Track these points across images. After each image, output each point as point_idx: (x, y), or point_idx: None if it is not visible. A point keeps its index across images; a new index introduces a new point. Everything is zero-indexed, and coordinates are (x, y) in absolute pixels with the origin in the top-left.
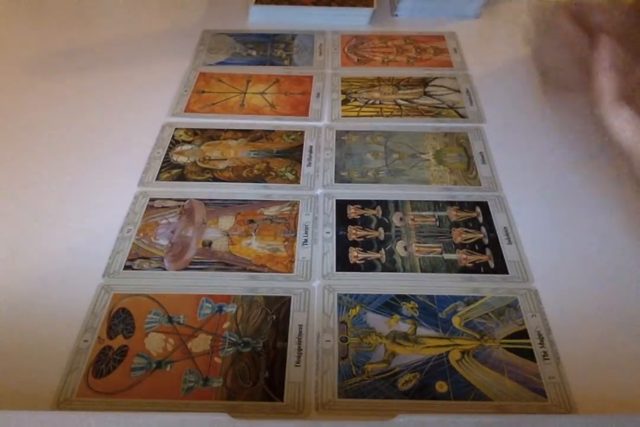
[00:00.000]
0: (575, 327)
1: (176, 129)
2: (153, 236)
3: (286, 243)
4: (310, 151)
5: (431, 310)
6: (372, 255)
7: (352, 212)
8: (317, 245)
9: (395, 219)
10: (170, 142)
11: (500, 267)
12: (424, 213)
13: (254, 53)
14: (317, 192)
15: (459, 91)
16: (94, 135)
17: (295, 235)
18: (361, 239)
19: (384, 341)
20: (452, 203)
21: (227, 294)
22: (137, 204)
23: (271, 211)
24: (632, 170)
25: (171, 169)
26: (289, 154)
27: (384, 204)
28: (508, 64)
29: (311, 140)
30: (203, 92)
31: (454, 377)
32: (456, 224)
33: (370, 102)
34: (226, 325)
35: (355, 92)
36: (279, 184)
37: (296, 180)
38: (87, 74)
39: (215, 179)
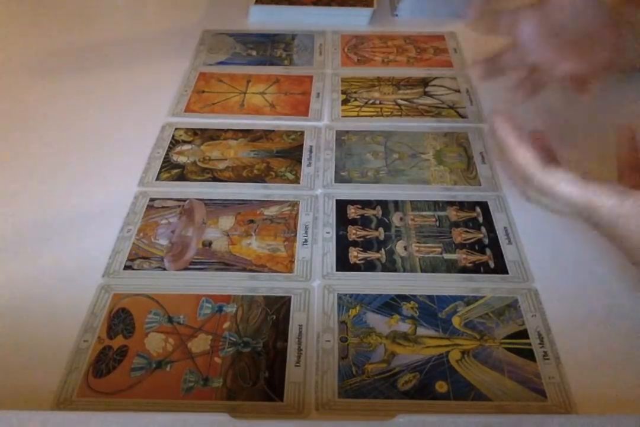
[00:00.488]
0: (575, 327)
1: (176, 129)
2: (153, 236)
3: (286, 243)
4: (310, 151)
5: (431, 310)
6: (372, 255)
7: (352, 212)
8: (317, 245)
9: (395, 219)
10: (170, 142)
11: (500, 267)
12: (424, 213)
13: (254, 53)
14: (317, 192)
15: (459, 91)
16: (94, 135)
17: (295, 235)
18: (361, 239)
19: (384, 341)
20: (452, 203)
21: (227, 294)
22: (137, 204)
23: (271, 211)
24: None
25: (171, 169)
26: (289, 154)
27: (384, 204)
28: None
29: (311, 140)
30: (203, 92)
31: (454, 377)
32: (456, 224)
33: (370, 102)
34: (226, 325)
35: (355, 92)
36: (279, 184)
37: (296, 180)
38: (87, 74)
39: (215, 179)
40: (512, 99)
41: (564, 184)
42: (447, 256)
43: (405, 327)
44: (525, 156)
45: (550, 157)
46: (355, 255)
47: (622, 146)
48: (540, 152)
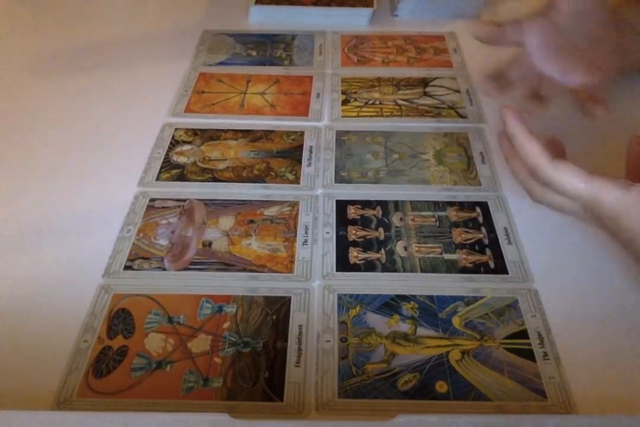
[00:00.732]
0: (575, 327)
1: (176, 129)
2: (153, 236)
3: (286, 243)
4: (310, 151)
5: (431, 310)
6: (372, 255)
7: (352, 212)
8: (317, 245)
9: (395, 219)
10: (170, 142)
11: (500, 268)
12: (424, 213)
13: (254, 53)
14: (317, 192)
15: (459, 91)
16: (94, 135)
17: (295, 235)
18: (361, 239)
19: (384, 341)
20: (452, 203)
21: (227, 294)
22: (137, 204)
23: (271, 211)
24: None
25: (171, 169)
26: (289, 154)
27: (384, 204)
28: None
29: (311, 141)
30: (203, 92)
31: (454, 377)
32: (456, 224)
33: (370, 102)
34: (226, 325)
35: (355, 92)
36: (279, 184)
37: (296, 180)
38: (87, 74)
39: (215, 179)
40: (525, 111)
41: (571, 178)
42: (447, 256)
43: (405, 327)
44: (533, 150)
45: (558, 153)
46: (355, 255)
47: (633, 152)
48: (549, 148)
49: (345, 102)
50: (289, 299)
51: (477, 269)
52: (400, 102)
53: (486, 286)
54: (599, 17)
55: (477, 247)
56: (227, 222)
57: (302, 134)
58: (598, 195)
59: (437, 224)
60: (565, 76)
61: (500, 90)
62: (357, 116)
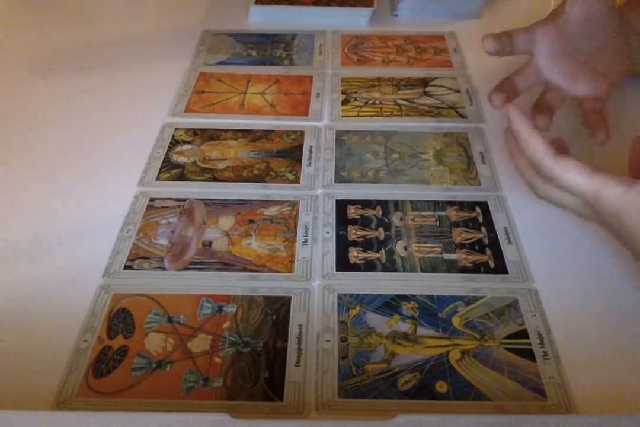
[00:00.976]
0: (575, 327)
1: (176, 129)
2: (153, 236)
3: (286, 243)
4: (310, 151)
5: (431, 310)
6: (372, 255)
7: (352, 212)
8: (317, 245)
9: (395, 219)
10: (170, 142)
11: (500, 267)
12: (424, 213)
13: (254, 53)
14: (317, 192)
15: (459, 91)
16: (94, 135)
17: (295, 235)
18: (361, 239)
19: (384, 341)
20: (452, 203)
21: (227, 294)
22: (137, 204)
23: (271, 211)
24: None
25: (171, 169)
26: (289, 154)
27: (384, 204)
28: (508, 64)
29: (311, 140)
30: (203, 92)
31: (454, 377)
32: (456, 224)
33: (370, 102)
34: (226, 325)
35: (355, 92)
36: (279, 184)
37: (296, 180)
38: (87, 74)
39: (215, 179)
40: (535, 125)
41: (574, 174)
42: (447, 256)
43: (405, 327)
44: (537, 146)
45: (561, 151)
46: (355, 255)
47: (635, 151)
48: (553, 146)
49: (345, 102)
50: (289, 298)
51: (477, 268)
52: (400, 102)
53: (486, 285)
54: (608, 22)
55: (477, 247)
56: (227, 222)
57: (302, 133)
58: (600, 191)
59: (437, 223)
60: (571, 85)
61: (507, 102)
62: (357, 116)
